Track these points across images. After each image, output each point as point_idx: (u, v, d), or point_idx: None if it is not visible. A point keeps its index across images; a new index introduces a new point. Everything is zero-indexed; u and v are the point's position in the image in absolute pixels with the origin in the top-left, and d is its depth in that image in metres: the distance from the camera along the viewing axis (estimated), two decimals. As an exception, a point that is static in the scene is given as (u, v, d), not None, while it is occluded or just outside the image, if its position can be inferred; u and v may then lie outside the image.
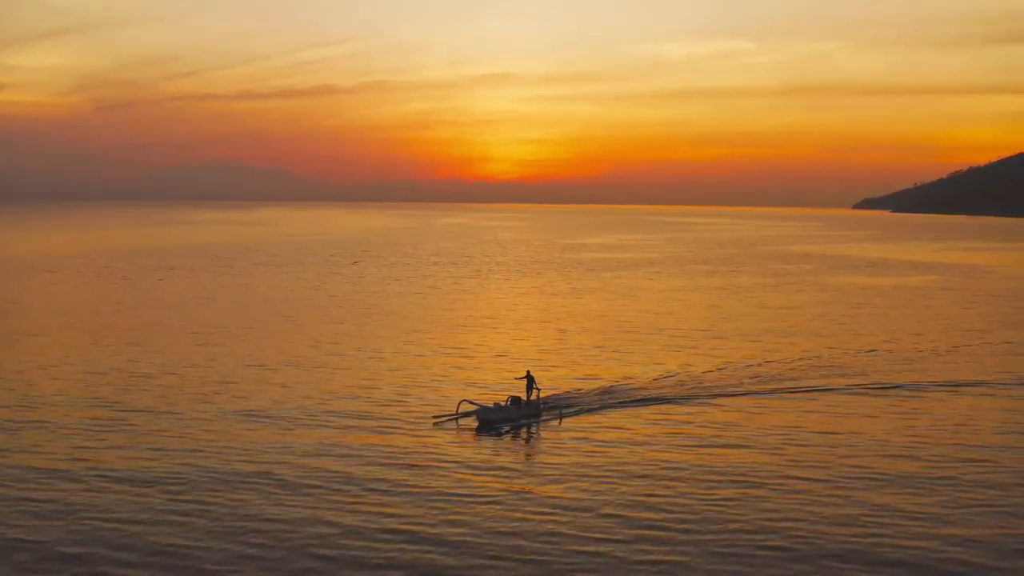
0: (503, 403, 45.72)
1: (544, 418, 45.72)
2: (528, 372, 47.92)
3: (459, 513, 32.38)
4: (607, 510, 32.74)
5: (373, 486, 35.08)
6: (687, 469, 37.65)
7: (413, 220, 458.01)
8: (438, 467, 37.63)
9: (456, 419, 44.88)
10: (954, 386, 55.04)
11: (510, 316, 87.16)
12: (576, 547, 29.51)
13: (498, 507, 33.05)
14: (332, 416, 45.83)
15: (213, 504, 32.92)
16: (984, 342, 72.49)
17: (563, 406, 47.42)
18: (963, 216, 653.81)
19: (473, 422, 44.51)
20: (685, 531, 30.84)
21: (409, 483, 35.51)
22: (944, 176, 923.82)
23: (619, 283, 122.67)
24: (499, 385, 52.93)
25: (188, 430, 42.82)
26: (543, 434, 43.56)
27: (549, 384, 51.62)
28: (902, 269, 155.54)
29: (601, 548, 29.42)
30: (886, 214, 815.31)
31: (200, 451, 39.48)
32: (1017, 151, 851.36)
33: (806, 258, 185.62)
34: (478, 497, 34.04)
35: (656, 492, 34.70)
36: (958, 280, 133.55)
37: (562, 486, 35.34)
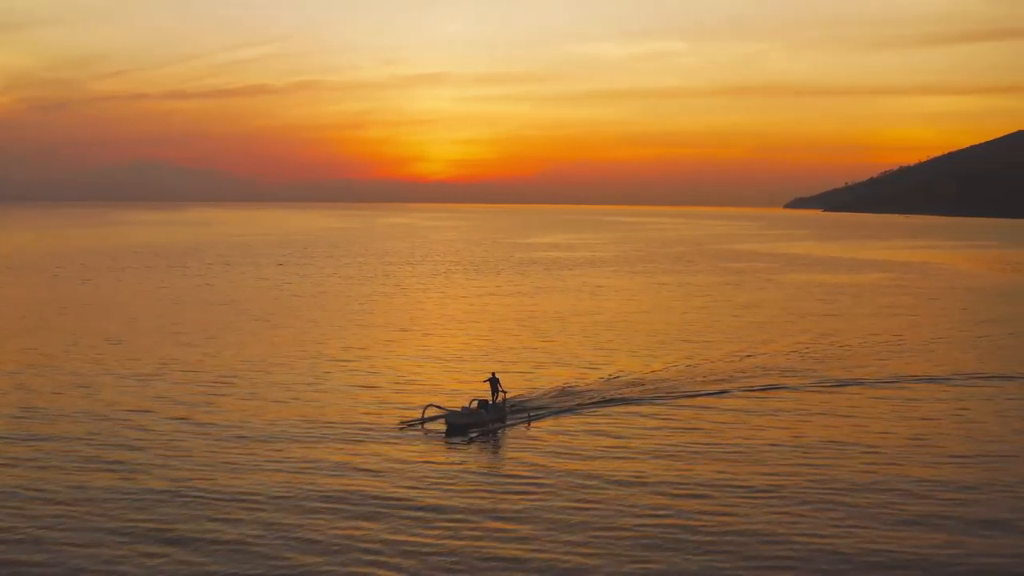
0: (469, 406, 44.38)
1: (512, 422, 44.42)
2: (493, 374, 46.33)
3: (428, 523, 30.93)
4: (580, 517, 31.65)
5: (338, 496, 33.41)
6: (662, 475, 36.46)
7: (354, 220, 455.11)
8: (406, 475, 36.01)
9: (422, 424, 43.47)
10: (937, 381, 55.78)
11: (477, 316, 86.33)
12: (547, 557, 28.39)
13: (469, 516, 31.75)
14: (297, 423, 43.79)
15: (166, 520, 31.04)
16: (954, 337, 73.74)
17: (531, 409, 46.29)
18: (894, 215, 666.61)
19: (441, 426, 43.06)
20: (660, 542, 29.56)
21: (377, 492, 33.88)
22: (875, 175, 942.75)
23: (580, 282, 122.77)
24: (465, 388, 51.33)
25: (143, 443, 40.47)
26: (513, 439, 42.12)
27: (516, 385, 50.52)
28: (855, 267, 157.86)
29: (572, 557, 28.47)
30: (819, 213, 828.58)
31: (153, 465, 37.09)
32: (947, 151, 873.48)
33: (757, 256, 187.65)
34: (450, 507, 32.61)
35: (631, 499, 33.52)
36: (913, 278, 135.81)
37: (534, 494, 34.06)
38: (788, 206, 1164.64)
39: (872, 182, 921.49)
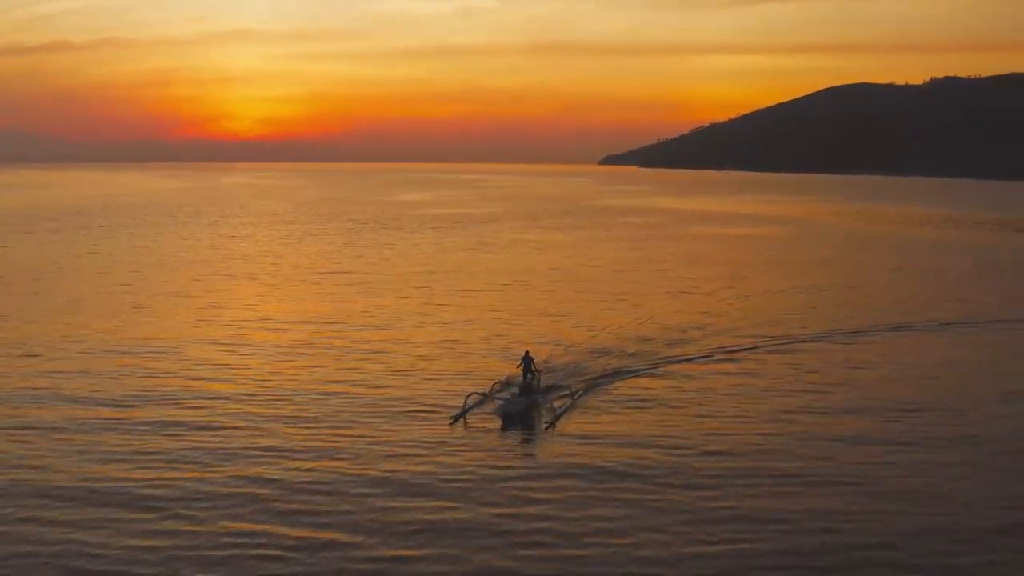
0: (509, 387, 41.27)
1: (559, 403, 40.13)
2: (527, 352, 42.02)
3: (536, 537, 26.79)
4: (649, 495, 29.79)
5: (414, 525, 27.47)
6: (749, 442, 34.86)
7: (192, 180, 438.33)
8: (470, 476, 31.56)
9: (464, 415, 38.39)
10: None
11: (462, 277, 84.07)
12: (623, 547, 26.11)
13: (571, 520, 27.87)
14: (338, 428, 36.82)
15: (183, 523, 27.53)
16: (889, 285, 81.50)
17: (571, 387, 42.26)
18: (709, 170, 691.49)
19: (485, 414, 38.64)
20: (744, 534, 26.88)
21: (459, 503, 29.10)
22: (686, 132, 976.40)
23: (508, 238, 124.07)
24: (493, 367, 46.77)
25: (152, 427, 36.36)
26: (570, 423, 37.77)
27: (541, 354, 46.74)
28: (747, 221, 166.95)
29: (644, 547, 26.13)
30: (637, 169, 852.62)
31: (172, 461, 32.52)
32: (755, 108, 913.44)
33: (640, 212, 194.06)
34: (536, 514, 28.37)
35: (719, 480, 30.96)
36: (811, 230, 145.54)
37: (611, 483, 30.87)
38: (602, 162, 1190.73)
39: (683, 138, 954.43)
